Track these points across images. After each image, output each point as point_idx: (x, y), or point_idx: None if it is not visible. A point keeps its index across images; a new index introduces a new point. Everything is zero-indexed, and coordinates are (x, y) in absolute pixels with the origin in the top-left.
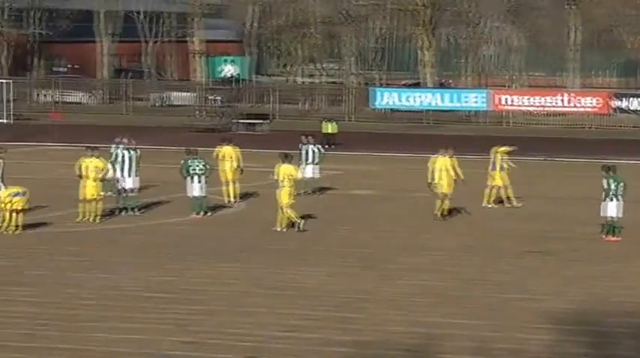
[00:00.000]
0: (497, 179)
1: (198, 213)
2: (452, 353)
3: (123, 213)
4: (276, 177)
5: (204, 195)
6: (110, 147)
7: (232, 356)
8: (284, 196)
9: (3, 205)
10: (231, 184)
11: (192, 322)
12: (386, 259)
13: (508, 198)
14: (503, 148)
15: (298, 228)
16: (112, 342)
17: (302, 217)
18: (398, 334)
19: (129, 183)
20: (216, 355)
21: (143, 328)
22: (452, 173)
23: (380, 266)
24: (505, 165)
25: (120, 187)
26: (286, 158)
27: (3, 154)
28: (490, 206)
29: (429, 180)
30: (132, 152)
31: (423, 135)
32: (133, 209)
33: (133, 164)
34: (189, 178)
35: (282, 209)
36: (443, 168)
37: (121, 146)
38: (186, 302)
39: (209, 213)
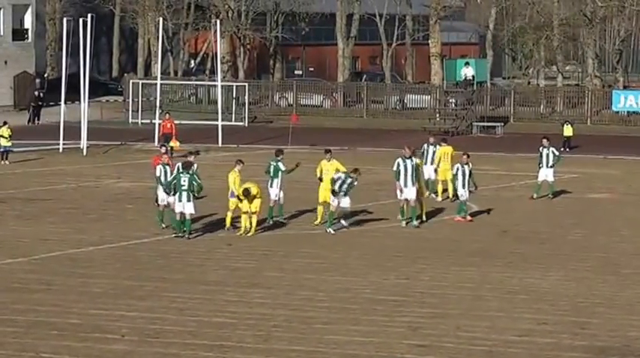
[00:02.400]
0: None
1: (464, 217)
2: None
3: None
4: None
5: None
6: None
7: None
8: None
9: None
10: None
11: (426, 325)
12: (624, 264)
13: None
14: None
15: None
16: (346, 344)
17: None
18: (636, 340)
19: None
20: None
21: (377, 331)
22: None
23: (617, 270)
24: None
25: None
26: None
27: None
28: None
29: None
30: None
31: None
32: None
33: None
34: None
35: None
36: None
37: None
38: (420, 305)
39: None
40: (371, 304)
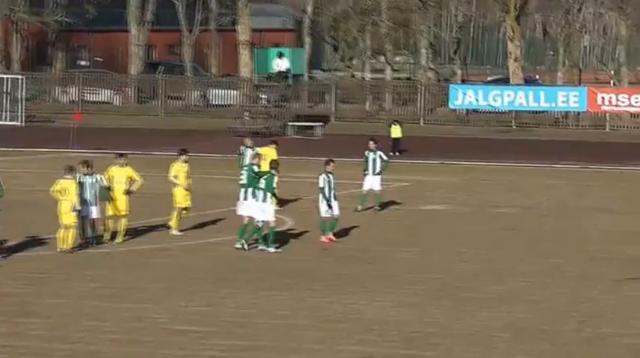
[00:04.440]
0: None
1: (327, 235)
2: None
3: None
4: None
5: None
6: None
7: None
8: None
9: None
10: None
11: None
12: (462, 287)
13: None
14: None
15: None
16: None
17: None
18: None
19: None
20: None
21: None
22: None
23: (455, 294)
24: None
25: None
26: (71, 171)
27: None
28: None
29: None
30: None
31: (507, 141)
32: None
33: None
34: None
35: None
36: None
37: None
38: (225, 337)
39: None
40: (167, 335)
